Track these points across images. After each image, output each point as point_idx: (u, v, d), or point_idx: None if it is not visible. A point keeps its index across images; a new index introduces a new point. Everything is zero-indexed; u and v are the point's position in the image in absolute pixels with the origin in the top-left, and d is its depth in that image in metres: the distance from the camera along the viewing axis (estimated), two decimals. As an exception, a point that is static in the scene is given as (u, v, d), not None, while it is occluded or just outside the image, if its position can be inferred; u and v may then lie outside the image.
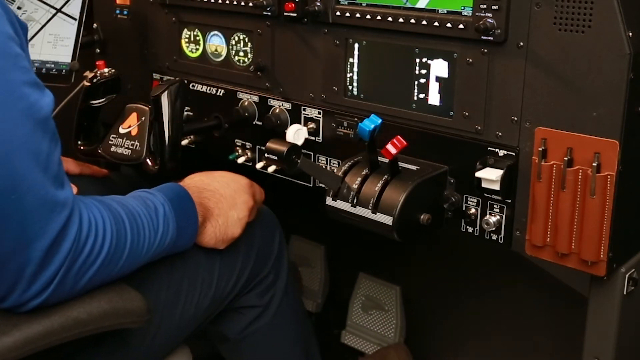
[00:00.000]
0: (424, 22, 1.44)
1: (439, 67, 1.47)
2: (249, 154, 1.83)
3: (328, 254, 2.41)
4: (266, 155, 1.50)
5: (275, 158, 1.48)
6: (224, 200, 1.50)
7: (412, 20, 1.46)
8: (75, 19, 1.92)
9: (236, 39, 1.83)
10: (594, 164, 1.26)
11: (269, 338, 1.68)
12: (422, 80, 1.50)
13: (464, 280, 2.07)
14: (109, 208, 1.24)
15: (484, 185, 1.39)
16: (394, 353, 2.12)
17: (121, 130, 1.80)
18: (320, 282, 2.39)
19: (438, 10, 1.44)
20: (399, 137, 1.37)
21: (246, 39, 1.80)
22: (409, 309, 2.19)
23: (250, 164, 1.83)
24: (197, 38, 1.91)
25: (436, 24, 1.42)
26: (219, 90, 1.87)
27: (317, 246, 2.41)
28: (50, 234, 1.12)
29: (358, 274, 2.27)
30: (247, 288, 1.61)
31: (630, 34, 1.21)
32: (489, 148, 1.41)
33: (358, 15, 1.54)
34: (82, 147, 1.85)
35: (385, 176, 1.43)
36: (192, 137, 1.92)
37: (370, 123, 1.38)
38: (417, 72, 1.50)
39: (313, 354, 1.81)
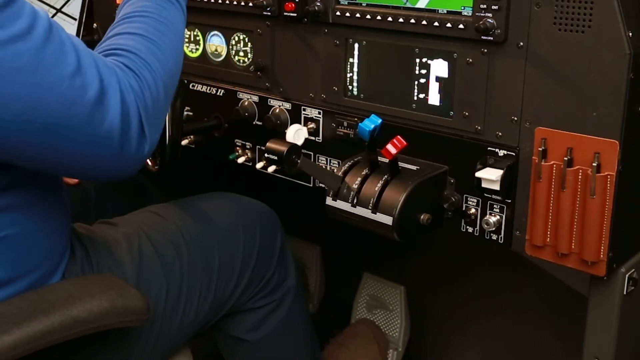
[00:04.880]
0: (424, 22, 1.44)
1: (439, 67, 1.47)
2: (249, 154, 1.83)
3: (324, 255, 2.41)
4: (266, 155, 1.50)
5: (275, 158, 1.48)
6: None
7: (412, 20, 1.46)
8: (75, 19, 1.92)
9: (236, 39, 1.83)
10: (594, 164, 1.26)
11: (283, 335, 1.68)
12: (422, 80, 1.50)
13: (466, 280, 2.08)
14: (119, 54, 1.26)
15: (484, 185, 1.39)
16: (365, 328, 2.13)
17: (121, 130, 1.79)
18: (315, 284, 2.39)
19: (438, 10, 1.44)
20: (399, 137, 1.37)
21: (246, 39, 1.80)
22: (413, 309, 2.19)
23: (250, 164, 1.83)
24: (197, 38, 1.91)
25: (436, 24, 1.43)
26: (219, 90, 1.87)
27: (313, 247, 2.40)
28: (113, 119, 1.17)
29: (363, 273, 2.27)
30: (252, 290, 1.61)
31: (630, 34, 1.21)
32: (489, 148, 1.41)
33: (358, 15, 1.54)
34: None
35: (385, 176, 1.43)
36: (192, 137, 1.92)
37: (370, 123, 1.38)
38: (417, 72, 1.51)
39: (317, 351, 1.82)
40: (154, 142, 1.25)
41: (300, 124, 1.71)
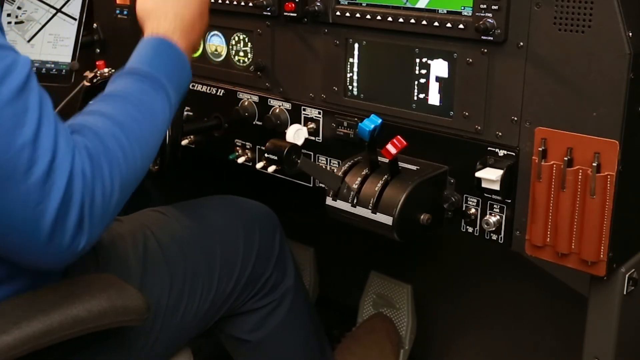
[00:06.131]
0: (424, 22, 1.44)
1: (439, 67, 1.47)
2: (249, 154, 1.83)
3: (318, 257, 2.41)
4: (266, 155, 1.50)
5: (275, 158, 1.48)
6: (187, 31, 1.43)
7: (412, 20, 1.46)
8: (75, 19, 1.92)
9: (236, 39, 1.83)
10: (594, 164, 1.26)
11: (284, 335, 1.68)
12: (422, 80, 1.50)
13: (470, 280, 2.08)
14: (83, 133, 1.16)
15: (484, 185, 1.39)
16: (380, 324, 2.13)
17: (121, 130, 1.79)
18: (309, 285, 2.39)
19: (438, 10, 1.44)
20: (399, 137, 1.37)
21: (246, 39, 1.80)
22: (419, 308, 2.19)
23: (250, 164, 1.83)
24: (197, 38, 1.91)
25: (436, 24, 1.42)
26: (219, 90, 1.87)
27: (307, 249, 2.41)
28: (53, 201, 1.07)
29: (370, 272, 2.27)
30: (251, 291, 1.61)
31: (630, 34, 1.21)
32: (489, 148, 1.41)
33: (358, 15, 1.54)
34: (82, 147, 1.85)
35: (385, 176, 1.43)
36: (192, 137, 1.92)
37: (370, 123, 1.38)
38: (417, 72, 1.50)
39: (326, 348, 1.82)
40: (93, 239, 1.13)
41: (300, 124, 1.71)
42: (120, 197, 1.16)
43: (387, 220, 1.39)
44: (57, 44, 1.93)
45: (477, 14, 1.36)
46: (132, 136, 1.19)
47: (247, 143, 1.84)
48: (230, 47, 1.85)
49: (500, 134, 1.40)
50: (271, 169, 1.73)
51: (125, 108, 1.22)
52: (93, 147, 1.13)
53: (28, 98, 1.07)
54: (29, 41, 1.94)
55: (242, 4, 1.75)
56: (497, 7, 1.33)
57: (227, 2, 1.77)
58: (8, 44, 1.11)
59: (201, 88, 1.91)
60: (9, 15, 1.93)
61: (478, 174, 1.39)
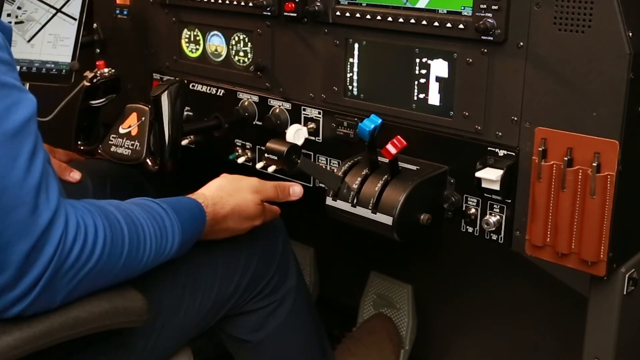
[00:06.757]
0: (424, 22, 1.44)
1: (439, 67, 1.47)
2: (249, 154, 1.83)
3: (318, 257, 2.40)
4: (266, 155, 1.50)
5: (275, 158, 1.48)
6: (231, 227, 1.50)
7: (412, 20, 1.46)
8: (75, 19, 1.92)
9: (236, 39, 1.83)
10: (594, 164, 1.26)
11: (285, 336, 1.68)
12: (422, 80, 1.50)
13: (472, 280, 2.08)
14: (105, 213, 1.20)
15: (484, 185, 1.39)
16: (380, 324, 2.13)
17: (121, 130, 1.80)
18: (309, 285, 2.39)
19: (438, 10, 1.44)
20: (399, 137, 1.37)
21: (246, 39, 1.80)
22: (420, 308, 2.19)
23: (250, 164, 1.83)
24: (197, 38, 1.91)
25: (436, 24, 1.43)
26: (219, 90, 1.87)
27: (307, 249, 2.41)
28: (31, 236, 1.07)
29: (370, 272, 2.27)
30: (252, 292, 1.61)
31: (630, 34, 1.21)
32: (489, 148, 1.41)
33: (358, 15, 1.54)
34: (82, 147, 1.86)
35: (385, 176, 1.43)
36: (192, 137, 1.92)
37: (370, 123, 1.38)
38: (417, 72, 1.51)
39: (327, 349, 1.82)
40: (37, 310, 1.12)
41: (300, 124, 1.71)
42: (81, 285, 1.15)
43: (387, 220, 1.39)
44: (57, 44, 1.93)
45: (477, 14, 1.36)
46: (133, 232, 1.22)
47: (247, 143, 1.84)
48: (230, 47, 1.85)
49: (500, 134, 1.40)
50: (271, 169, 1.73)
51: (138, 218, 1.26)
52: (91, 220, 1.15)
53: (22, 143, 1.09)
54: (29, 41, 1.93)
55: (242, 4, 1.75)
56: (497, 7, 1.33)
57: (227, 2, 1.77)
58: (12, 82, 1.11)
59: (201, 88, 1.91)
60: (9, 15, 1.93)
61: (478, 174, 1.39)
